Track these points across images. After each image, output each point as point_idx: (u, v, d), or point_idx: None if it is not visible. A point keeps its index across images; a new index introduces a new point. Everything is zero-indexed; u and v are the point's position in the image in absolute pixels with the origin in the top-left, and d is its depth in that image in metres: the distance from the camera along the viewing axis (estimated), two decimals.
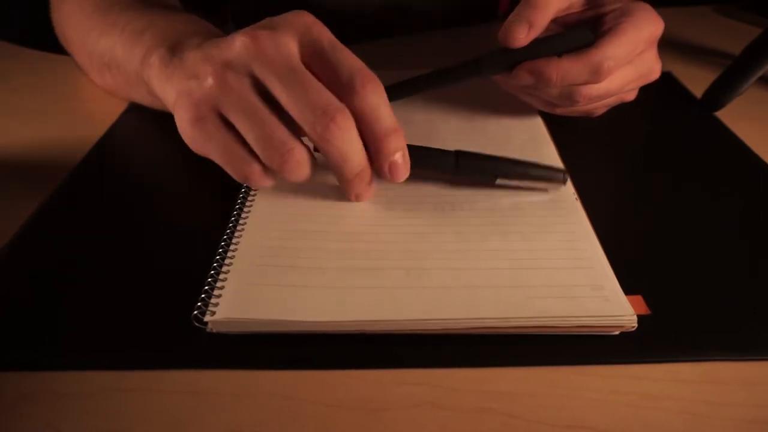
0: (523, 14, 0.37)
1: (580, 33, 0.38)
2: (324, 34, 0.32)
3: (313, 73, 0.31)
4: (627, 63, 0.38)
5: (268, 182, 0.33)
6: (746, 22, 0.68)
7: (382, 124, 0.31)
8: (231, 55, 0.31)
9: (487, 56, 0.39)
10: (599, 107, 0.43)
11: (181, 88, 0.32)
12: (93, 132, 0.45)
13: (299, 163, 0.31)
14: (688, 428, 0.24)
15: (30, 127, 0.47)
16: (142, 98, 0.45)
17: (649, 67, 0.41)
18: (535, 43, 0.38)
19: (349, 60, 0.31)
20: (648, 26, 0.38)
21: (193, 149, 0.33)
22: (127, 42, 0.41)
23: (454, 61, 0.40)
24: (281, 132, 0.30)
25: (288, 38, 0.31)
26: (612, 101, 0.42)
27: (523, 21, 0.37)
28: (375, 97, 0.31)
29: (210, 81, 0.31)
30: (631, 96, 0.43)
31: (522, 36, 0.37)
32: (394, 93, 0.38)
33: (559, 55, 0.38)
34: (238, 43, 0.31)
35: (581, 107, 0.42)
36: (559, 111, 0.43)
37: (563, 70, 0.37)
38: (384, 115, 0.31)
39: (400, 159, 0.32)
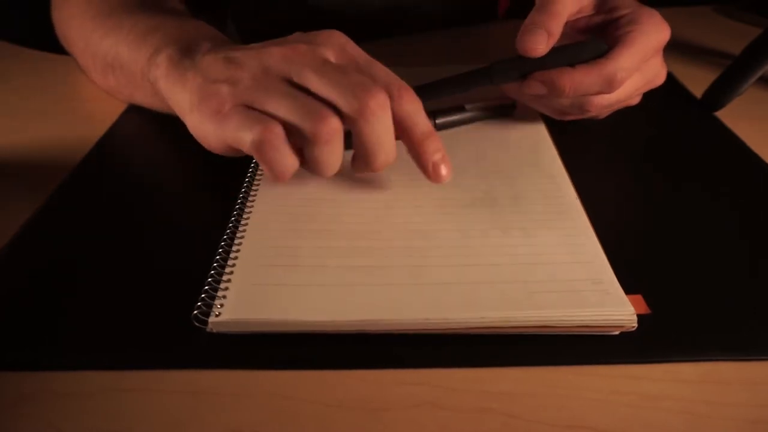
0: (540, 22, 0.36)
1: (594, 44, 0.38)
2: (358, 51, 0.33)
3: None
4: (636, 71, 0.38)
5: (295, 164, 0.32)
6: (746, 22, 0.68)
7: (421, 128, 0.32)
8: (269, 61, 0.32)
9: (498, 65, 0.38)
10: (605, 112, 0.43)
11: (205, 91, 0.33)
12: (93, 132, 0.45)
13: (336, 131, 0.30)
14: (688, 428, 0.24)
15: (30, 127, 0.47)
16: (143, 99, 0.45)
17: (656, 72, 0.41)
18: (549, 52, 0.37)
19: (383, 72, 0.32)
20: (656, 34, 0.38)
21: (217, 142, 0.33)
22: (133, 42, 0.41)
23: (453, 61, 0.40)
24: (318, 104, 0.31)
25: (326, 51, 0.32)
26: (618, 106, 0.42)
27: (541, 30, 0.36)
28: (412, 105, 0.32)
29: (246, 82, 0.31)
30: (636, 101, 0.43)
31: (542, 46, 0.36)
32: None
33: (572, 65, 0.37)
34: (276, 51, 0.32)
35: (589, 115, 0.42)
36: (567, 118, 0.43)
37: (576, 80, 0.37)
38: (422, 120, 0.32)
39: (440, 159, 0.33)
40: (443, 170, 0.33)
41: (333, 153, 0.31)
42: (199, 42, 0.36)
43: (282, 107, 0.31)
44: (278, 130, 0.31)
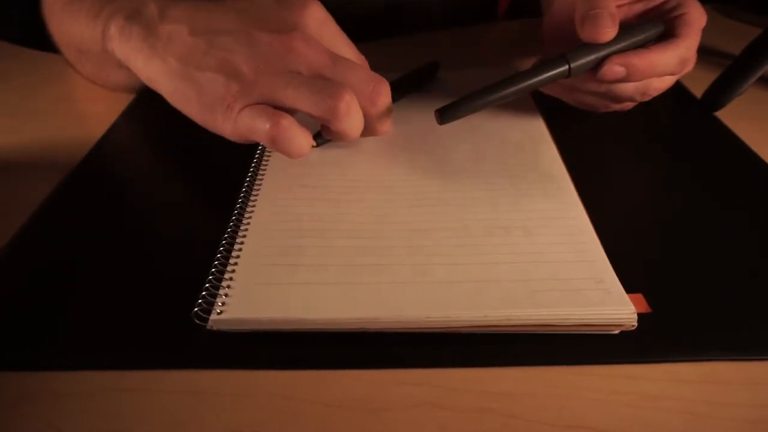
0: (599, 6, 0.36)
1: (651, 24, 0.38)
2: (334, 29, 0.36)
3: None
4: None
5: (309, 142, 0.34)
6: (746, 22, 0.68)
7: (385, 127, 0.37)
8: (262, 49, 0.33)
9: (572, 54, 0.37)
10: (648, 98, 0.43)
11: (202, 83, 0.34)
12: (93, 132, 0.45)
13: (350, 104, 0.33)
14: (688, 428, 0.24)
15: (30, 127, 0.47)
16: (118, 78, 0.44)
17: (694, 56, 0.41)
18: (616, 36, 0.37)
19: (355, 71, 0.35)
20: (702, 17, 0.39)
21: (231, 134, 0.34)
22: (90, 21, 0.40)
23: (453, 61, 0.40)
24: (328, 84, 0.33)
25: (299, 42, 0.33)
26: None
27: (605, 13, 0.36)
28: (382, 107, 0.35)
29: (250, 76, 0.33)
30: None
31: (611, 29, 0.36)
32: (476, 100, 0.36)
33: (640, 46, 0.37)
34: (264, 38, 0.33)
35: (626, 106, 0.42)
36: (603, 110, 0.44)
37: (653, 61, 0.37)
38: (387, 117, 0.36)
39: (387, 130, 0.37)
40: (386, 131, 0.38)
41: (354, 121, 0.34)
42: (146, 3, 0.36)
43: (298, 100, 0.32)
44: (289, 122, 0.32)
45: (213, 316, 0.28)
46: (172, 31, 0.34)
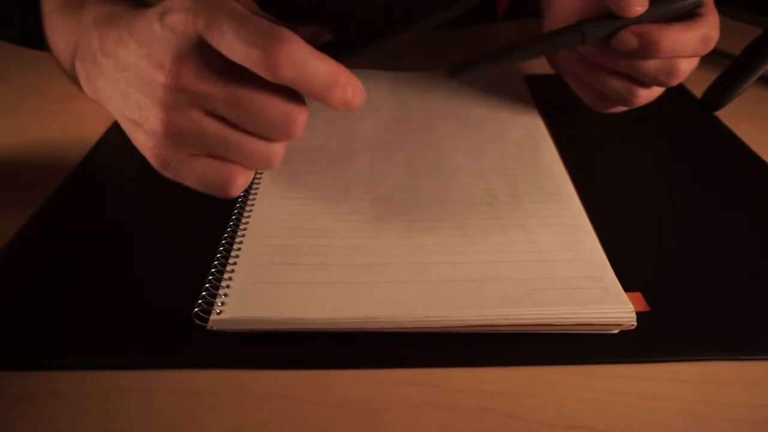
0: None
1: None
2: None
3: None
4: None
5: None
6: (746, 22, 0.68)
7: (318, 83, 0.27)
8: (160, 96, 0.28)
9: (589, 22, 0.36)
10: (661, 91, 0.42)
11: (132, 133, 0.31)
12: (93, 132, 0.45)
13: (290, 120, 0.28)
14: (688, 428, 0.24)
15: (30, 127, 0.47)
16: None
17: (717, 35, 0.39)
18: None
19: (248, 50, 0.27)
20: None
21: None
22: (66, 49, 0.38)
23: (454, 60, 0.39)
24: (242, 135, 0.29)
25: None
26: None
27: None
28: (291, 68, 0.26)
29: (161, 131, 0.29)
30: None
31: (640, 5, 0.34)
32: (497, 57, 0.36)
33: (667, 21, 0.36)
34: (154, 80, 0.28)
35: (654, 93, 0.41)
36: (616, 108, 0.42)
37: (674, 37, 0.35)
38: (315, 73, 0.27)
39: (350, 96, 0.28)
40: (355, 105, 0.28)
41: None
42: (88, 35, 0.33)
43: (222, 147, 0.29)
44: (241, 181, 0.30)
45: (213, 316, 0.28)
46: (107, 65, 0.31)
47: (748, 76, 0.47)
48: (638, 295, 0.29)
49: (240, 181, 0.31)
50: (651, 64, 0.37)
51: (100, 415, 0.25)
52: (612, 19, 0.36)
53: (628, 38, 0.35)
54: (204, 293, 0.29)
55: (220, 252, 0.32)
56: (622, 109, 0.43)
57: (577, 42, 0.36)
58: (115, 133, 0.46)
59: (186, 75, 0.28)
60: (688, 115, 0.48)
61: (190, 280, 0.30)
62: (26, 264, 0.33)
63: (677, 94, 0.52)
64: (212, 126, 0.29)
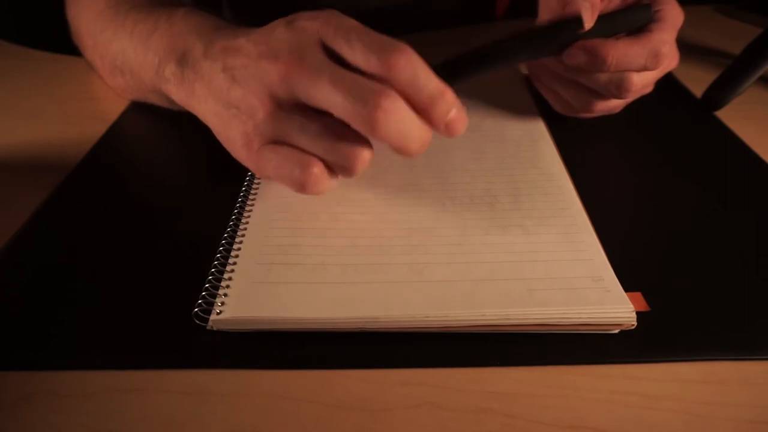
0: None
1: (641, 10, 0.36)
2: (348, 28, 0.30)
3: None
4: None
5: (332, 185, 0.32)
6: (746, 22, 0.68)
7: (425, 93, 0.28)
8: (272, 85, 0.30)
9: (540, 35, 0.36)
10: (623, 104, 0.42)
11: (224, 119, 0.32)
12: (93, 132, 0.45)
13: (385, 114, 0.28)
14: (688, 428, 0.24)
15: (30, 127, 0.47)
16: (158, 101, 0.45)
17: (674, 55, 0.40)
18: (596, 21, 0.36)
19: (375, 55, 0.29)
20: (679, 14, 0.38)
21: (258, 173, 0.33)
22: (138, 47, 0.41)
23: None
24: (340, 128, 0.30)
25: (315, 51, 0.30)
26: (642, 92, 0.41)
27: (587, 5, 0.35)
28: (406, 72, 0.28)
29: (260, 115, 0.31)
30: (650, 88, 0.42)
31: (588, 19, 0.35)
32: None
33: (616, 33, 0.36)
34: (272, 69, 0.30)
35: (611, 105, 0.41)
36: (581, 114, 0.43)
37: (620, 52, 0.35)
38: (425, 83, 0.28)
39: (454, 116, 0.29)
40: (458, 128, 0.30)
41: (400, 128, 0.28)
42: (192, 44, 0.36)
43: (312, 144, 0.30)
44: (317, 170, 0.30)
45: (212, 316, 0.28)
46: (210, 70, 0.33)
47: (748, 76, 0.47)
48: (638, 295, 0.29)
49: (315, 171, 0.30)
50: (602, 77, 0.38)
51: (100, 415, 0.25)
52: (560, 33, 0.36)
53: (576, 54, 0.36)
54: (204, 293, 0.29)
55: (220, 252, 0.32)
56: (588, 115, 0.43)
57: (527, 55, 0.37)
58: (115, 133, 0.46)
59: (297, 66, 0.29)
60: (688, 115, 0.48)
61: (190, 280, 0.30)
62: (26, 264, 0.33)
63: (677, 94, 0.52)
64: (308, 115, 0.30)
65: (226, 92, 0.32)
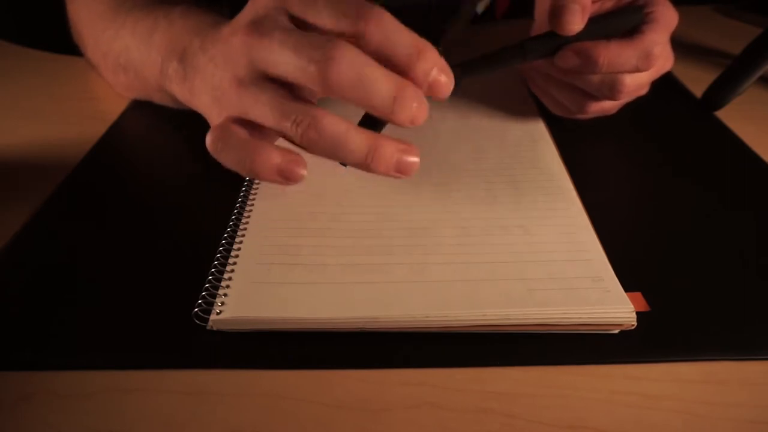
0: None
1: (632, 12, 0.36)
2: None
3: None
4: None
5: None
6: (746, 22, 0.68)
7: (403, 50, 0.26)
8: (233, 57, 0.29)
9: (531, 41, 0.36)
10: (617, 105, 0.42)
11: (210, 101, 0.32)
12: (94, 131, 0.45)
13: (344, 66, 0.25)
14: (689, 428, 0.24)
15: (31, 127, 0.47)
16: (161, 100, 0.45)
17: (668, 56, 0.40)
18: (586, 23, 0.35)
19: (338, 11, 0.27)
20: (672, 15, 0.38)
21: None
22: (141, 46, 0.41)
23: (452, 61, 0.39)
24: (295, 103, 0.27)
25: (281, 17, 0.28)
26: (637, 93, 0.41)
27: (575, 5, 0.34)
28: (381, 30, 0.26)
29: (229, 97, 0.29)
30: (646, 89, 0.42)
31: (578, 24, 0.35)
32: None
33: (608, 36, 0.36)
34: (235, 41, 0.29)
35: (605, 106, 0.41)
36: (576, 116, 0.43)
37: (612, 54, 0.35)
38: (402, 39, 0.26)
39: (437, 75, 0.27)
40: (443, 88, 0.27)
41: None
42: (191, 41, 0.36)
43: (265, 116, 0.28)
44: (265, 157, 0.27)
45: (212, 316, 0.28)
46: (203, 63, 0.34)
47: (748, 76, 0.47)
48: (638, 295, 0.29)
49: (263, 158, 0.27)
50: (594, 79, 0.38)
51: (100, 415, 0.25)
52: (553, 37, 0.36)
53: (568, 56, 0.36)
54: (204, 293, 0.29)
55: (220, 252, 0.32)
56: (583, 116, 0.43)
57: (519, 60, 0.36)
58: (115, 133, 0.46)
59: (251, 36, 0.28)
60: (688, 115, 0.48)
61: (190, 280, 0.30)
62: (26, 264, 0.33)
63: (677, 94, 0.52)
64: (263, 86, 0.28)
65: (210, 79, 0.32)
